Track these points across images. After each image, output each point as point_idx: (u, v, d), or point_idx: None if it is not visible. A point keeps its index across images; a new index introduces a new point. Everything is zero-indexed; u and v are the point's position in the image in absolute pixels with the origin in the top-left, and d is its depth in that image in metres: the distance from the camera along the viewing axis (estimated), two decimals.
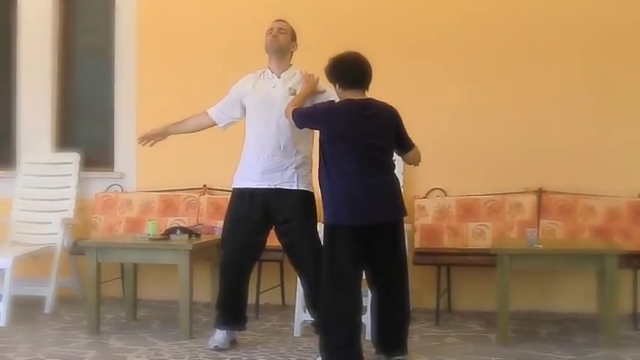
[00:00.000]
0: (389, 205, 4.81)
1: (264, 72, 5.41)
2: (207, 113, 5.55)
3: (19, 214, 7.13)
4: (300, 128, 5.06)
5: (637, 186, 6.43)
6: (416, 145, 5.05)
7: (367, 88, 4.91)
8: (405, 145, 4.98)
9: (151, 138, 5.63)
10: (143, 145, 5.68)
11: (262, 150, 5.24)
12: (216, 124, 5.55)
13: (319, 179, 4.85)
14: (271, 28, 5.34)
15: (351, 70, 4.89)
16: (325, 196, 4.80)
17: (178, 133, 5.68)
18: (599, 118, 6.57)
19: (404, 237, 4.94)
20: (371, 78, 4.91)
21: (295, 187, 5.21)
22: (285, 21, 5.38)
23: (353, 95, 4.85)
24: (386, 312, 4.83)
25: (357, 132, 4.75)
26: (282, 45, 5.34)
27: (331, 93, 5.09)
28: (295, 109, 5.02)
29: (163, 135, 5.65)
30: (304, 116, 5.00)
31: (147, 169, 7.23)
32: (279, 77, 5.34)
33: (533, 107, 6.64)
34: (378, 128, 4.82)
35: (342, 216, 4.69)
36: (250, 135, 5.35)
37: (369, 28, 6.80)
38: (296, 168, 5.23)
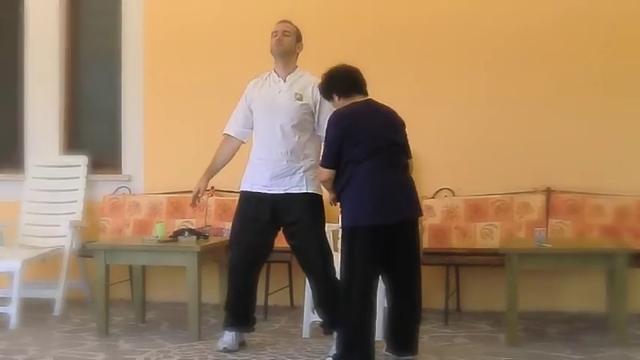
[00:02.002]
0: (410, 203, 4.83)
1: (269, 75, 5.38)
2: (230, 135, 5.44)
3: (28, 217, 7.15)
4: (335, 167, 4.81)
5: None
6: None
7: (367, 94, 4.92)
8: (407, 151, 4.95)
9: (200, 196, 5.48)
10: (196, 206, 5.55)
11: (270, 155, 5.22)
12: (242, 142, 5.46)
13: (335, 186, 4.81)
14: (276, 31, 5.30)
15: (348, 77, 4.91)
16: (346, 200, 4.74)
17: (218, 171, 5.50)
18: (608, 118, 6.55)
19: (420, 236, 4.94)
20: (366, 85, 4.93)
21: (304, 191, 5.19)
22: (289, 22, 5.35)
23: (356, 100, 4.85)
24: (401, 311, 4.83)
25: (375, 129, 4.76)
26: (287, 48, 5.30)
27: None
28: (319, 169, 4.93)
29: (206, 185, 5.48)
30: (329, 157, 4.81)
31: (154, 171, 7.25)
32: (285, 81, 5.31)
33: (541, 107, 6.63)
34: (391, 125, 4.86)
35: (366, 216, 4.66)
36: (258, 139, 5.34)
37: (375, 29, 6.81)
38: (304, 172, 5.21)
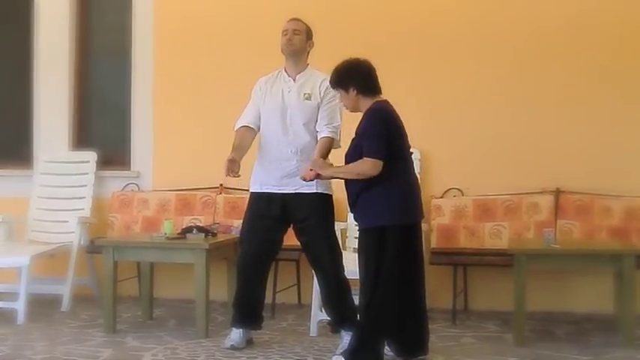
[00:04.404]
0: (421, 203, 4.89)
1: (279, 73, 5.36)
2: (246, 126, 5.32)
3: (37, 212, 7.16)
4: (385, 159, 4.60)
5: None
6: None
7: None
8: None
9: (235, 166, 5.17)
10: (233, 176, 5.19)
11: (280, 154, 5.21)
12: (256, 132, 5.37)
13: (357, 185, 4.74)
14: (286, 30, 5.27)
15: (372, 75, 4.82)
16: (377, 198, 4.67)
17: (244, 151, 5.25)
18: (617, 119, 6.53)
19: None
20: None
21: (314, 190, 5.15)
22: (299, 20, 5.32)
23: (378, 99, 4.83)
24: (413, 312, 4.82)
25: (403, 128, 4.78)
26: (298, 47, 5.26)
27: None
28: (367, 160, 4.63)
29: (237, 160, 5.20)
30: (381, 148, 4.61)
31: (163, 168, 7.25)
32: (294, 80, 5.29)
33: (551, 108, 6.61)
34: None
35: (400, 215, 4.67)
36: (267, 139, 5.31)
37: (386, 26, 6.80)
38: None
